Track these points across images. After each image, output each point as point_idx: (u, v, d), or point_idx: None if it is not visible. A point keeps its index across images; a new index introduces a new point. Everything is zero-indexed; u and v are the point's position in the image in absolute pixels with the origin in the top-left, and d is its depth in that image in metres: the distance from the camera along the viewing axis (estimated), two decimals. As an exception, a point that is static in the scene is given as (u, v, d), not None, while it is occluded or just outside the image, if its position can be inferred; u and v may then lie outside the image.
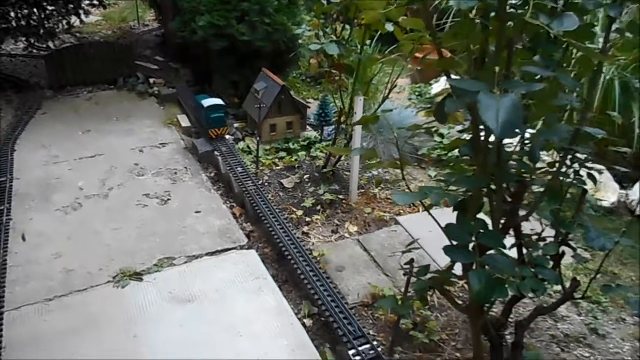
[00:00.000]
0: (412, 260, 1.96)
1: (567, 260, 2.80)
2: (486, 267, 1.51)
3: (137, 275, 2.78)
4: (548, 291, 2.69)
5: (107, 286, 2.71)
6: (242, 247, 3.02)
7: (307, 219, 3.30)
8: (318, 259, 2.86)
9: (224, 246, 3.02)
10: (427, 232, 2.46)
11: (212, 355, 2.29)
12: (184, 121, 4.49)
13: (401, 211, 3.35)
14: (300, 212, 3.32)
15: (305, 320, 2.54)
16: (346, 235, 3.15)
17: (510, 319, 2.24)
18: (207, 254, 2.95)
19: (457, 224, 1.63)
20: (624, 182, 3.53)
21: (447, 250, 1.55)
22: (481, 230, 1.57)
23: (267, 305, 2.58)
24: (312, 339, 2.40)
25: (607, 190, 3.32)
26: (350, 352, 2.23)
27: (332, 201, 3.43)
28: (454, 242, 1.59)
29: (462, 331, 2.44)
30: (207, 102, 3.95)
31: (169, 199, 3.48)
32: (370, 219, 3.28)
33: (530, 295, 2.61)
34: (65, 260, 2.89)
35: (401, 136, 1.66)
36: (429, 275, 1.82)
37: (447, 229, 1.58)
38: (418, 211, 3.33)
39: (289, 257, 2.84)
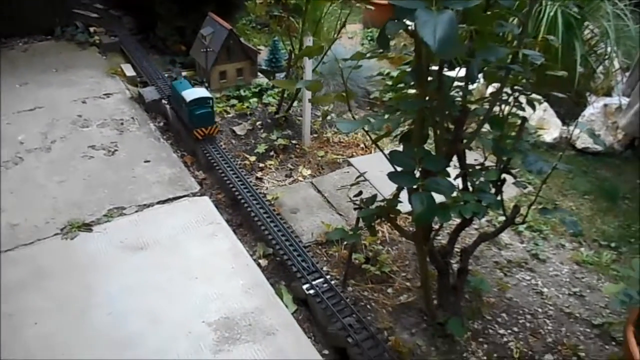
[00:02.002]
0: (360, 192, 1.99)
1: (511, 194, 2.94)
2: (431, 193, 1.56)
3: (87, 226, 2.71)
4: (493, 222, 2.82)
5: (55, 239, 2.64)
6: (194, 195, 2.99)
7: (261, 164, 3.28)
8: (272, 202, 2.86)
9: (176, 194, 2.97)
10: (379, 172, 2.49)
11: (168, 298, 2.29)
12: (129, 70, 4.29)
13: (354, 153, 3.38)
14: (253, 158, 3.29)
15: (260, 261, 2.56)
16: (300, 178, 3.15)
17: (456, 248, 2.33)
18: (158, 203, 2.90)
19: (402, 151, 1.66)
20: (567, 119, 3.67)
21: (391, 176, 1.58)
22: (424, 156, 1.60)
23: (221, 248, 2.58)
24: (268, 278, 2.43)
25: (549, 127, 3.45)
26: (305, 286, 2.28)
27: (285, 146, 3.41)
28: (399, 169, 1.62)
29: (412, 263, 2.53)
30: (190, 94, 3.18)
31: (116, 150, 3.37)
32: (323, 162, 3.29)
33: (476, 226, 2.73)
34: (8, 215, 2.77)
35: (346, 67, 1.66)
36: (376, 205, 1.85)
37: (392, 156, 1.60)
38: (370, 153, 3.36)
39: (243, 201, 2.83)
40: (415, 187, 1.56)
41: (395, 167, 1.61)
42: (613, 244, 2.74)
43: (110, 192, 2.97)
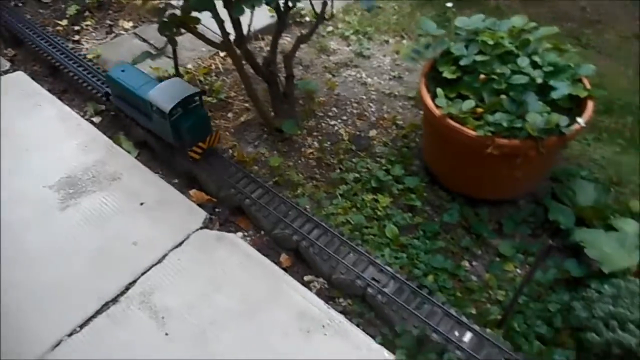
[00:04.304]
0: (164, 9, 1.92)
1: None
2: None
3: None
4: (320, 35, 2.91)
5: None
6: (6, 72, 2.71)
7: (76, 27, 3.00)
8: (95, 60, 2.69)
9: (-17, 76, 2.68)
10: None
11: (1, 175, 2.18)
12: None
13: (176, -4, 3.19)
14: (65, 22, 3.00)
15: (93, 119, 2.48)
16: (122, 32, 2.96)
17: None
18: (-36, 90, 2.61)
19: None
20: None
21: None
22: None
23: (48, 116, 2.44)
24: (105, 132, 2.37)
25: None
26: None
27: (100, 3, 3.13)
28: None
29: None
30: (164, 97, 1.99)
31: None
32: (144, 11, 3.09)
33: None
34: None
35: None
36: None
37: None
38: (192, -9, 3.19)
39: (62, 67, 2.63)
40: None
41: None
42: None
43: None
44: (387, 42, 2.93)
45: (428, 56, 1.94)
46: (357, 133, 2.34)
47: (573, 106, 1.79)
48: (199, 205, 2.08)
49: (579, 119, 1.69)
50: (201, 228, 2.00)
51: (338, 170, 2.18)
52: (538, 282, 1.74)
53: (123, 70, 2.18)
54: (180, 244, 1.94)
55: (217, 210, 2.08)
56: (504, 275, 1.79)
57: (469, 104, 1.76)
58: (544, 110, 1.69)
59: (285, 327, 1.69)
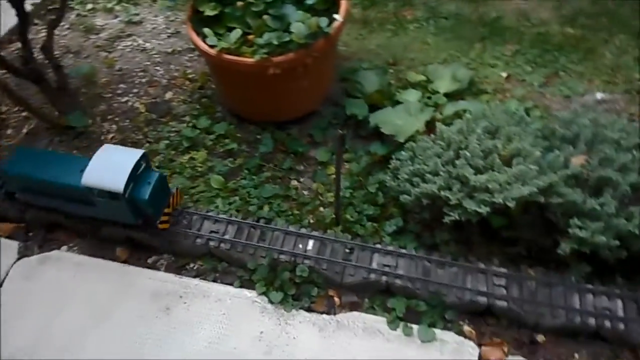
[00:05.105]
0: None
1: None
2: None
3: None
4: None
5: None
6: None
7: None
8: None
9: None
10: None
11: None
12: None
13: None
14: None
15: None
16: None
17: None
18: None
19: None
20: None
21: None
22: None
23: None
24: None
25: None
26: None
27: None
28: None
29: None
30: (102, 175, 1.58)
31: None
32: None
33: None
34: None
35: None
36: None
37: None
38: None
39: None
40: None
41: None
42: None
43: None
44: (154, 1, 2.79)
45: (183, -1, 1.88)
46: (153, 101, 2.24)
47: (330, 6, 1.89)
48: (8, 237, 1.87)
49: (335, 16, 1.80)
50: (19, 259, 1.80)
51: (147, 144, 2.09)
52: (356, 173, 1.88)
53: (22, 158, 1.73)
54: (1, 284, 1.74)
55: (30, 234, 1.88)
56: (329, 179, 1.90)
57: (236, 33, 1.77)
58: (305, 18, 1.76)
59: (143, 313, 1.64)
